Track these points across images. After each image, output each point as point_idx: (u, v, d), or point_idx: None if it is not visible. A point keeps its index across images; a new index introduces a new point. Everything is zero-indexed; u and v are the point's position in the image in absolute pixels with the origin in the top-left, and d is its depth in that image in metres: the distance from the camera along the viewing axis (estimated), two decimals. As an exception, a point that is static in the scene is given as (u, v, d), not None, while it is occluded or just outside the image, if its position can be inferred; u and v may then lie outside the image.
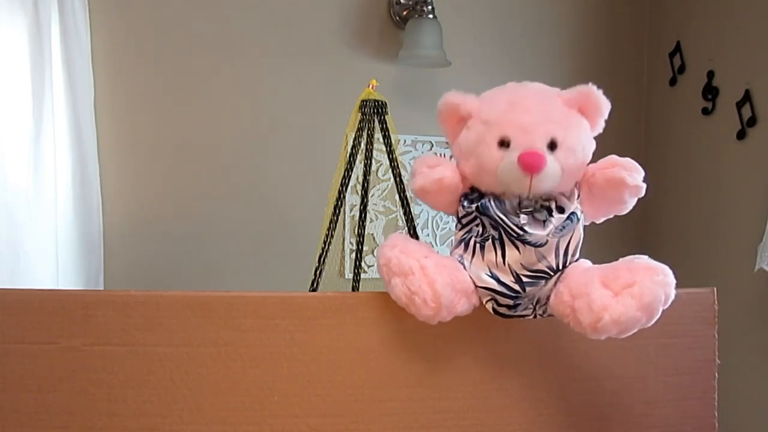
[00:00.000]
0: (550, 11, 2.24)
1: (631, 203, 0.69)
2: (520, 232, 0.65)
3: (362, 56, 2.06)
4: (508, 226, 0.65)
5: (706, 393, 0.77)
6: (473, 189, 0.70)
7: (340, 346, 0.69)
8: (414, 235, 1.56)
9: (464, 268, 0.68)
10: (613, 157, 0.69)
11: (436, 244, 2.15)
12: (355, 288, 1.65)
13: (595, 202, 0.70)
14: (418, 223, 2.08)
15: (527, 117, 0.67)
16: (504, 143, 0.66)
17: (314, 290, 1.43)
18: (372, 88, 1.49)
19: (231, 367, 0.68)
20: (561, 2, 2.25)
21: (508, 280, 0.66)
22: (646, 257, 0.66)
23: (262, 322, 0.68)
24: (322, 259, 1.44)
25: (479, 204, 0.67)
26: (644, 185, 0.68)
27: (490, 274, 0.66)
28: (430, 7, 1.97)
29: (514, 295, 0.66)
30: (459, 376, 0.72)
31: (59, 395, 0.66)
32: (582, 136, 0.69)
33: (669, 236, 2.21)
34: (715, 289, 0.77)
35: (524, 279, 0.65)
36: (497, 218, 0.66)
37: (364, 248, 1.63)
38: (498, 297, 0.66)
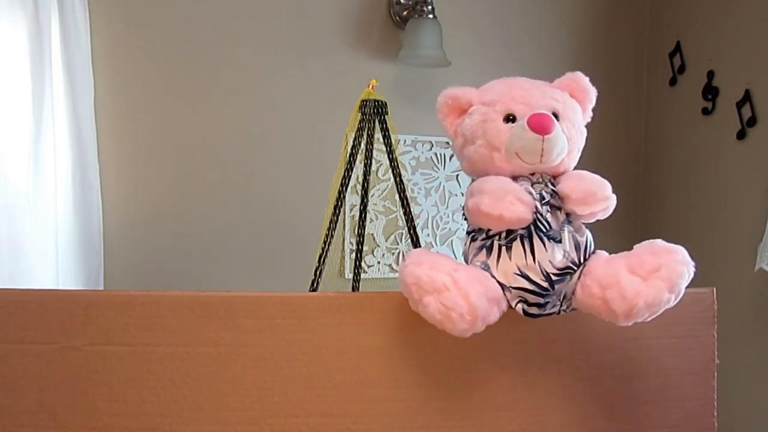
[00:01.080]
0: (550, 11, 2.24)
1: (605, 215, 0.69)
2: (549, 228, 0.66)
3: (362, 56, 2.06)
4: (540, 222, 0.66)
5: (705, 393, 0.77)
6: None
7: (340, 346, 0.69)
8: (414, 234, 1.56)
9: (490, 274, 0.67)
10: (567, 185, 0.68)
11: (436, 244, 2.16)
12: (355, 288, 1.65)
13: None
14: (418, 223, 2.08)
15: (526, 93, 0.70)
16: (509, 118, 0.69)
17: (314, 290, 1.43)
18: (372, 88, 1.49)
19: (231, 367, 0.68)
20: (561, 2, 2.25)
21: (538, 278, 0.66)
22: (660, 240, 0.67)
23: (262, 322, 0.68)
24: (322, 259, 1.44)
25: None
26: (607, 205, 0.67)
27: (520, 273, 0.66)
28: (430, 7, 1.97)
29: (544, 293, 0.66)
30: (459, 376, 0.72)
31: (59, 395, 0.66)
32: (578, 115, 0.73)
33: (669, 236, 2.19)
34: (714, 289, 0.77)
35: (553, 277, 0.66)
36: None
37: (364, 248, 1.63)
38: (528, 296, 0.66)
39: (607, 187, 0.68)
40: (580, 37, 2.28)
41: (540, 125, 0.65)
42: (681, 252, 0.66)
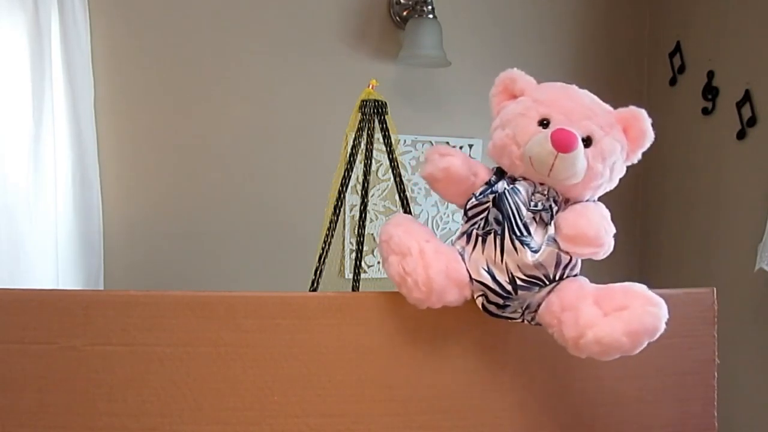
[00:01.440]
0: (550, 11, 2.24)
1: (595, 258, 0.67)
2: (524, 232, 0.65)
3: (362, 56, 2.06)
4: (515, 222, 0.65)
5: (705, 393, 0.77)
6: (489, 182, 0.70)
7: (340, 346, 0.69)
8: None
9: (463, 260, 0.67)
10: (565, 217, 0.66)
11: (436, 244, 2.15)
12: (355, 288, 1.65)
13: None
14: (418, 223, 2.07)
15: (575, 106, 0.68)
16: (544, 123, 0.67)
17: (314, 290, 1.43)
18: (372, 88, 1.49)
19: (231, 367, 0.68)
20: (561, 2, 2.25)
21: (503, 279, 0.65)
22: (644, 286, 0.64)
23: (262, 322, 0.68)
24: (322, 259, 1.44)
25: (496, 195, 0.67)
26: (596, 252, 0.65)
27: (486, 269, 0.66)
28: (430, 7, 1.97)
29: (505, 295, 0.66)
30: (459, 376, 0.72)
31: (59, 395, 0.66)
32: (617, 149, 0.68)
33: (669, 236, 2.21)
34: (714, 289, 0.77)
35: (518, 281, 0.65)
36: (509, 210, 0.65)
37: (364, 248, 1.63)
38: (489, 293, 0.66)
39: (606, 235, 0.64)
40: (580, 37, 2.28)
41: (559, 141, 0.63)
42: (656, 303, 0.62)
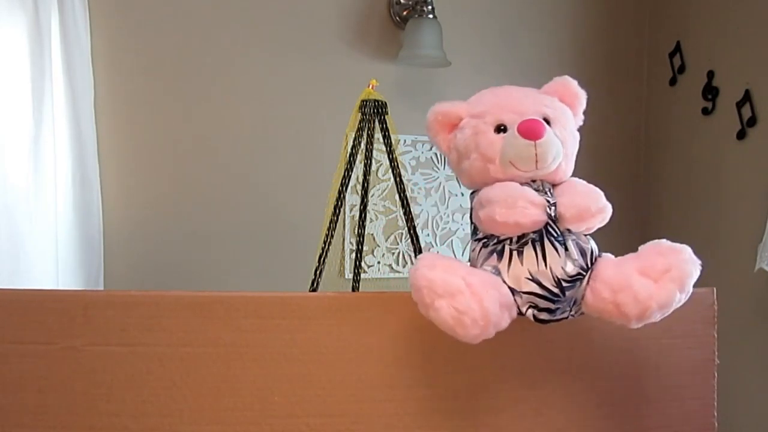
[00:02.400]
0: (550, 11, 2.24)
1: (602, 224, 0.68)
2: (559, 233, 0.65)
3: (362, 56, 2.06)
4: (551, 226, 0.65)
5: (705, 393, 0.77)
6: None
7: (340, 346, 0.69)
8: (414, 234, 1.56)
9: (501, 279, 0.66)
10: (561, 203, 0.66)
11: (436, 244, 2.15)
12: (355, 288, 1.65)
13: None
14: (418, 223, 2.08)
15: (514, 101, 0.70)
16: (500, 128, 0.68)
17: (314, 290, 1.43)
18: (372, 88, 1.49)
19: (231, 367, 0.68)
20: (561, 2, 2.25)
21: (549, 284, 0.65)
22: (665, 240, 0.68)
23: (262, 322, 0.68)
24: (322, 259, 1.44)
25: None
26: (603, 217, 0.66)
27: (531, 278, 0.65)
28: (430, 7, 1.97)
29: (554, 299, 0.65)
30: (459, 376, 0.72)
31: (59, 395, 0.66)
32: (570, 119, 0.72)
33: (669, 236, 2.20)
34: (714, 288, 0.77)
35: (564, 283, 0.65)
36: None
37: (364, 248, 1.63)
38: (539, 301, 0.65)
39: (600, 198, 0.66)
40: (580, 37, 2.28)
41: (530, 131, 0.65)
42: (688, 251, 0.66)
